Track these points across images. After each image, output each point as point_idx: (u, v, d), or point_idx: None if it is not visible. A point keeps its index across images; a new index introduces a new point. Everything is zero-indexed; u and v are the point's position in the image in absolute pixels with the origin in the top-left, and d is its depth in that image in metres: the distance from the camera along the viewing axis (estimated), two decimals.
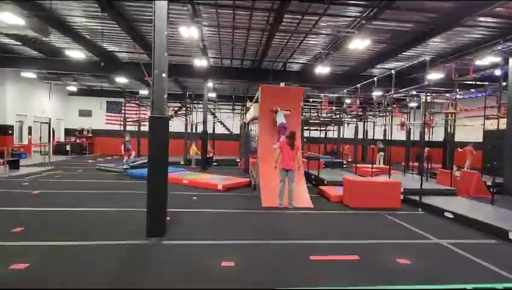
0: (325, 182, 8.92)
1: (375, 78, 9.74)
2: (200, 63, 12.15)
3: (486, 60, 10.44)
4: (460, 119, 10.20)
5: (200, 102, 17.73)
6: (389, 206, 6.94)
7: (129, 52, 12.53)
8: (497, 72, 11.45)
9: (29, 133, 17.57)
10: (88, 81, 19.12)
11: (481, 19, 8.26)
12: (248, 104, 12.23)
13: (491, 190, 8.79)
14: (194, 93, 17.67)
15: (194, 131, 17.67)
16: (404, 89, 9.98)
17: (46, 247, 4.10)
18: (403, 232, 5.29)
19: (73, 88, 20.36)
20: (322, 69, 12.53)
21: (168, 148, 4.70)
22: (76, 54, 11.14)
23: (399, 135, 12.51)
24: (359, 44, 8.62)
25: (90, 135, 21.65)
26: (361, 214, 6.50)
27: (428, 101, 12.79)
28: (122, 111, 21.73)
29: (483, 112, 9.50)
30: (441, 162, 13.92)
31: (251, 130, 12.23)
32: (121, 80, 15.31)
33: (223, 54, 12.22)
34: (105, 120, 21.98)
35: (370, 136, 16.81)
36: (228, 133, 19.64)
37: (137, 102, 16.77)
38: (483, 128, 10.00)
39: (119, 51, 12.79)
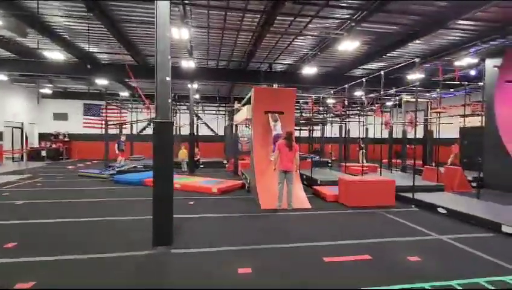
0: (319, 182, 9.01)
1: (364, 79, 9.94)
2: (188, 64, 11.94)
3: (463, 61, 10.99)
4: (440, 117, 10.60)
5: (183, 103, 17.45)
6: (383, 204, 7.13)
7: (113, 54, 12.06)
8: (472, 72, 12.11)
9: (0, 138, 16.51)
10: (64, 83, 18.24)
11: (460, 22, 8.66)
12: (236, 105, 12.13)
13: (473, 184, 9.30)
14: (178, 94, 17.34)
15: (178, 133, 17.34)
16: (394, 89, 10.28)
17: (48, 262, 3.84)
18: (404, 230, 5.42)
19: (47, 91, 19.35)
20: (308, 70, 12.69)
21: (172, 153, 4.55)
22: (55, 55, 10.57)
23: (382, 133, 12.88)
24: (348, 46, 8.77)
25: (66, 139, 20.65)
26: (359, 213, 6.61)
27: (409, 100, 13.34)
28: (101, 114, 21.09)
29: (464, 110, 9.93)
30: (421, 158, 14.49)
31: (242, 131, 12.14)
32: (102, 81, 14.73)
33: (210, 55, 12.06)
34: (83, 123, 21.13)
35: (352, 135, 17.23)
36: (213, 134, 19.43)
37: (118, 104, 16.21)
38: (464, 125, 10.48)
39: (99, 52, 12.29)
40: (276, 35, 9.75)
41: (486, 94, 9.71)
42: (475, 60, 10.57)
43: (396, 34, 9.81)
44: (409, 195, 7.38)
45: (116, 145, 11.95)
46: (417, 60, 7.49)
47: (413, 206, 7.12)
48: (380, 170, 9.20)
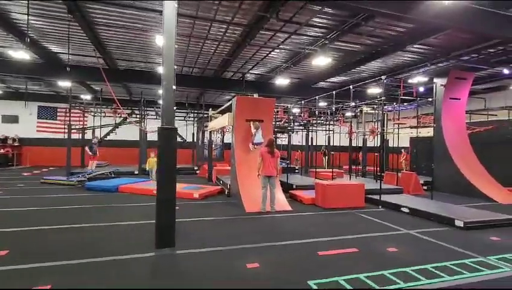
0: (294, 186, 9.61)
1: (334, 92, 10.85)
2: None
3: (415, 79, 12.48)
4: (399, 128, 11.88)
5: (153, 108, 17.20)
6: (355, 206, 7.90)
7: (83, 56, 11.63)
8: (421, 89, 13.74)
9: None
10: (17, 84, 16.92)
11: (415, 45, 9.94)
12: (211, 112, 12.37)
13: (426, 187, 10.58)
14: (145, 99, 17.04)
15: (145, 139, 16.98)
16: (358, 102, 11.29)
17: (54, 267, 3.83)
18: (378, 226, 6.15)
19: None
20: (279, 80, 13.40)
21: (176, 158, 4.76)
22: (20, 54, 9.97)
23: (341, 142, 14.06)
24: (321, 61, 9.58)
25: (16, 144, 19.04)
26: (336, 213, 7.27)
27: (368, 111, 14.68)
28: (58, 117, 19.85)
29: (416, 122, 11.27)
30: (377, 164, 15.94)
31: (218, 138, 12.37)
32: (65, 84, 14.02)
33: (187, 62, 12.21)
34: (37, 127, 19.73)
35: (316, 143, 18.32)
36: (181, 141, 19.30)
37: (82, 108, 15.49)
38: (417, 135, 11.85)
39: (64, 53, 11.74)
40: (254, 47, 10.26)
41: (435, 109, 11.13)
42: (425, 78, 12.07)
43: (361, 53, 10.90)
44: (375, 197, 8.25)
45: (88, 148, 11.48)
46: (383, 77, 8.47)
47: (380, 206, 7.99)
48: (349, 175, 10.04)
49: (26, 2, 7.48)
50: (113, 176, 12.36)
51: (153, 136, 14.58)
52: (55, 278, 3.54)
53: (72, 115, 15.33)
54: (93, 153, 11.62)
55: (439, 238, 5.37)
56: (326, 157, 18.77)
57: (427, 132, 12.67)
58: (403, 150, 14.33)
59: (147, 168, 11.47)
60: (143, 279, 3.61)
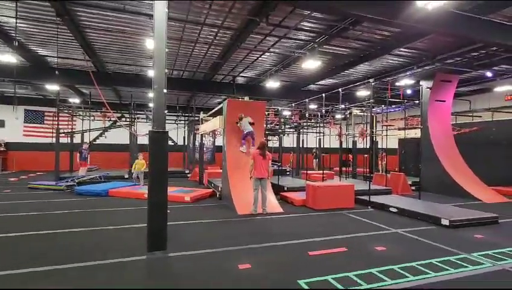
0: (285, 188, 9.71)
1: (324, 94, 11.03)
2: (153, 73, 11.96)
3: (402, 81, 12.78)
4: (387, 130, 12.14)
5: (143, 112, 17.11)
6: (345, 206, 8.04)
7: (72, 59, 11.53)
8: (409, 91, 14.05)
9: None
10: (3, 87, 16.61)
11: (402, 49, 10.19)
12: (202, 115, 12.40)
13: (414, 187, 10.81)
14: (135, 102, 16.95)
15: (135, 142, 16.88)
16: (348, 105, 11.48)
17: (45, 272, 3.82)
18: (367, 226, 6.29)
19: None
20: (269, 83, 13.52)
21: (167, 161, 4.80)
22: (6, 57, 9.84)
23: (331, 143, 14.24)
24: (311, 64, 9.74)
25: (2, 148, 18.65)
26: (327, 214, 7.39)
27: (357, 113, 14.92)
28: (45, 121, 19.56)
29: (404, 124, 11.53)
30: (366, 166, 16.20)
31: (209, 141, 12.40)
32: (53, 87, 13.84)
33: (177, 65, 12.23)
34: (24, 131, 19.39)
35: (307, 145, 18.49)
36: (172, 144, 19.23)
37: (70, 112, 15.31)
38: (405, 136, 12.11)
39: (52, 56, 11.62)
40: (244, 50, 10.36)
41: (422, 110, 11.41)
42: (412, 81, 12.37)
43: (349, 56, 11.10)
44: (365, 197, 8.42)
45: (78, 154, 11.33)
46: (371, 80, 8.68)
47: (369, 207, 8.14)
48: (340, 176, 10.20)
49: (14, 4, 7.41)
50: (103, 180, 12.25)
51: (143, 140, 14.65)
52: (47, 282, 3.53)
53: (60, 118, 15.18)
54: (83, 159, 11.47)
55: (425, 236, 5.53)
56: (317, 159, 18.95)
57: (415, 133, 12.98)
58: (380, 151, 14.65)
59: (133, 171, 11.00)
60: (135, 282, 3.63)
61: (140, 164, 11.05)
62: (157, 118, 4.70)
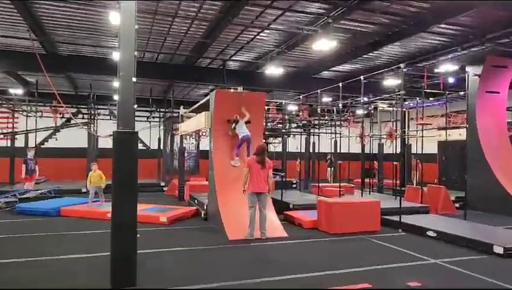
0: (291, 206, 9.76)
1: (340, 84, 11.07)
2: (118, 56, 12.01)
3: (442, 67, 12.88)
4: (423, 130, 12.20)
5: (106, 106, 17.15)
6: (368, 230, 8.06)
7: (18, 38, 11.53)
8: (451, 80, 14.17)
9: None
10: None
11: (442, 25, 10.28)
12: (183, 110, 12.43)
13: (458, 205, 10.86)
14: (96, 94, 16.98)
15: (96, 146, 16.89)
16: (378, 97, 11.58)
17: None
18: (396, 255, 6.32)
19: None
20: (270, 70, 13.59)
21: (137, 170, 4.80)
22: None
23: (350, 148, 14.28)
24: (324, 44, 9.80)
25: None
26: (344, 240, 7.41)
27: (385, 108, 15.02)
28: None
29: (445, 122, 11.61)
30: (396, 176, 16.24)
31: (191, 144, 12.45)
32: None
33: (150, 46, 12.27)
34: None
35: (318, 150, 18.55)
36: (144, 148, 19.23)
37: (11, 106, 15.31)
38: (446, 138, 12.19)
39: None
40: (237, 26, 10.41)
41: (468, 105, 11.48)
42: (455, 67, 12.48)
43: (374, 34, 11.19)
44: (395, 218, 8.44)
45: (23, 166, 11.19)
46: (402, 65, 8.75)
47: (400, 230, 8.17)
48: (362, 190, 10.25)
49: None
50: (52, 195, 12.20)
51: (106, 143, 14.60)
52: None
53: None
54: (29, 172, 11.32)
55: (473, 269, 5.54)
56: (332, 167, 18.99)
57: (459, 134, 13.06)
58: (414, 158, 14.78)
59: (88, 187, 10.41)
60: None
61: (96, 177, 10.46)
62: (124, 114, 4.72)
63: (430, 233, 7.64)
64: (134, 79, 4.75)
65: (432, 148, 15.49)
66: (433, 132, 13.35)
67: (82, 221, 8.85)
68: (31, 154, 11.62)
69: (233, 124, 8.50)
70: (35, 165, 11.55)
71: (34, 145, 15.21)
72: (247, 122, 8.55)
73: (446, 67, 12.72)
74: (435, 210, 10.46)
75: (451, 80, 14.32)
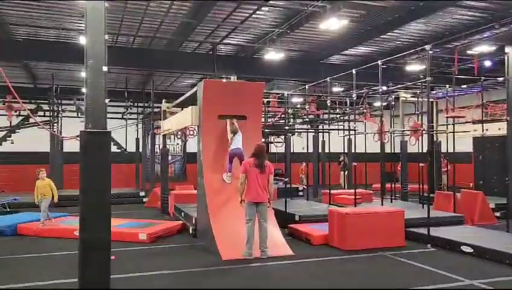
0: (297, 218, 9.75)
1: (354, 70, 11.06)
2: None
3: (476, 48, 12.90)
4: (454, 124, 12.21)
5: (72, 101, 17.11)
6: (390, 245, 8.05)
7: None
8: (488, 63, 14.19)
9: None
10: None
11: None
12: (165, 105, 12.43)
13: (499, 213, 10.87)
14: (59, 87, 16.97)
15: (60, 148, 16.89)
16: (400, 85, 11.68)
17: None
18: (425, 276, 6.32)
19: None
20: (269, 54, 13.60)
21: (110, 178, 4.81)
22: None
23: (373, 147, 14.26)
24: (334, 23, 9.82)
25: None
26: (361, 258, 7.41)
27: (408, 99, 15.03)
28: None
29: (481, 114, 11.61)
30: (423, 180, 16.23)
31: (176, 145, 12.46)
32: None
33: (124, 28, 12.27)
34: None
35: (329, 149, 18.57)
36: (119, 151, 19.19)
37: None
38: (483, 134, 12.19)
39: None
40: (229, 2, 10.40)
41: (509, 93, 11.48)
42: (492, 48, 12.50)
43: (393, 10, 11.18)
44: (422, 231, 8.46)
45: None
46: (428, 46, 8.74)
47: (429, 245, 8.18)
48: (382, 198, 10.27)
49: None
50: (7, 210, 12.18)
51: (72, 145, 14.57)
52: None
53: None
54: None
55: None
56: (346, 171, 19.02)
57: (498, 129, 13.05)
58: (443, 157, 14.81)
59: (36, 201, 9.76)
60: None
61: (45, 188, 9.83)
62: (94, 111, 4.74)
63: (465, 248, 7.63)
64: (105, 68, 4.77)
65: (465, 145, 15.51)
66: (466, 127, 13.33)
67: (43, 241, 8.83)
68: None
69: (231, 135, 8.48)
70: None
71: None
72: (241, 118, 8.57)
73: (481, 48, 12.74)
74: (471, 220, 10.46)
75: (487, 64, 14.35)
